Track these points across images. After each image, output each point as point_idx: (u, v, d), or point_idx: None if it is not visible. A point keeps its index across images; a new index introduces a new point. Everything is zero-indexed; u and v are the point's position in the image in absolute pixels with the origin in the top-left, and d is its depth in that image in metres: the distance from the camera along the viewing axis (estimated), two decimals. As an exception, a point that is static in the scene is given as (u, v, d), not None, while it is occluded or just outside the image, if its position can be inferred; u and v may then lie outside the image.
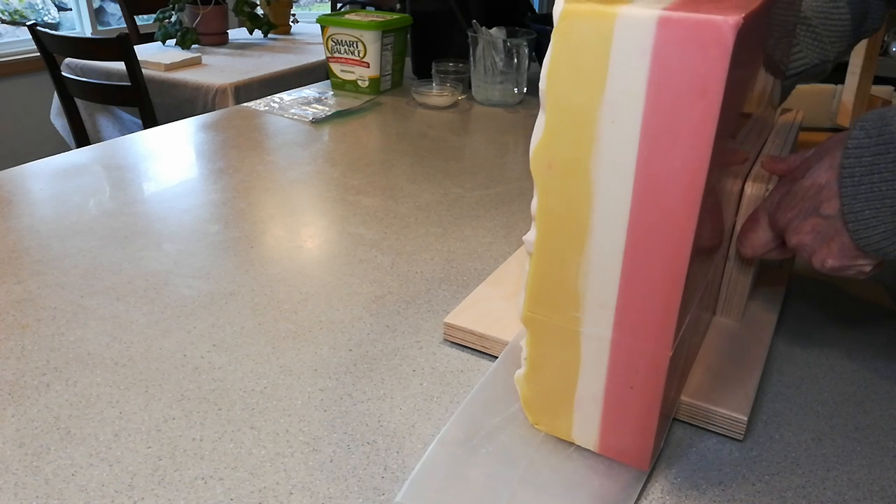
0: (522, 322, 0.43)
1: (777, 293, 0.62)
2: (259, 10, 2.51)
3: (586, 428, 0.44)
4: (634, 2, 0.33)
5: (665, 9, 0.32)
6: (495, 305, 0.59)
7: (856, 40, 0.68)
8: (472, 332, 0.56)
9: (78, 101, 2.03)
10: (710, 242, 0.43)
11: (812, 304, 0.64)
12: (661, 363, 0.39)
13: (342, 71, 1.35)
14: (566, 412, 0.44)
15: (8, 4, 3.05)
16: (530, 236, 0.40)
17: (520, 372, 0.46)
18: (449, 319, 0.57)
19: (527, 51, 1.26)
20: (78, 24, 3.18)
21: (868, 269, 0.43)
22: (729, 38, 0.31)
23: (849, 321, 0.62)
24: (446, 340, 0.58)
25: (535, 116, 0.38)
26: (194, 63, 2.08)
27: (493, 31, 1.26)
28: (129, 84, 1.83)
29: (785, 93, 0.70)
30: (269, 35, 2.57)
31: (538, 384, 0.45)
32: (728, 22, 0.31)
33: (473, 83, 1.31)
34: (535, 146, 0.38)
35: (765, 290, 0.62)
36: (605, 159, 0.36)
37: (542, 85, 0.36)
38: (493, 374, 0.51)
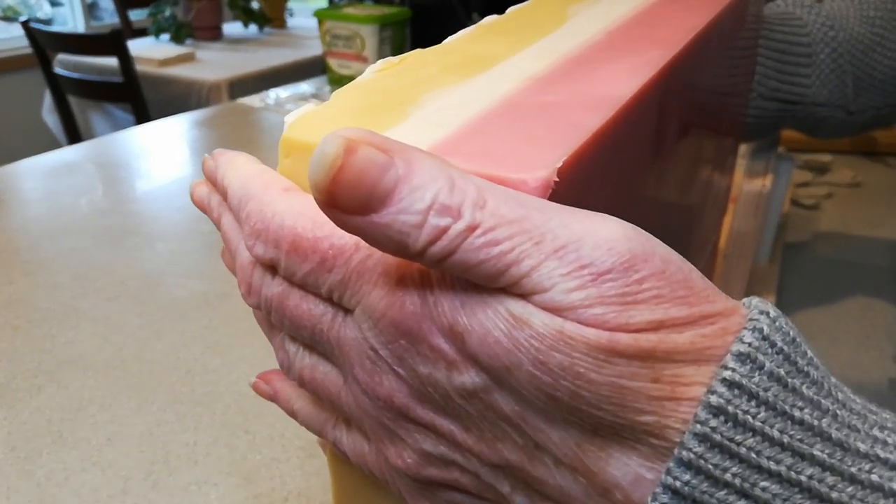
0: None
1: (767, 296, 0.61)
2: (254, 4, 2.50)
3: None
4: (401, 125, 0.21)
5: (444, 147, 0.19)
6: None
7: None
8: None
9: (70, 98, 2.01)
10: None
11: (805, 306, 0.64)
12: None
13: (340, 66, 1.34)
14: None
15: (1, 0, 3.03)
16: None
17: None
18: None
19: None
20: (71, 20, 3.16)
21: None
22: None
23: (845, 321, 0.61)
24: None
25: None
26: (188, 58, 2.07)
27: (490, 25, 1.26)
28: (122, 80, 1.81)
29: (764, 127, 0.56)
30: (265, 29, 2.56)
31: None
32: (536, 178, 0.18)
33: (470, 78, 1.30)
34: None
35: (756, 292, 0.61)
36: None
37: None
38: None
